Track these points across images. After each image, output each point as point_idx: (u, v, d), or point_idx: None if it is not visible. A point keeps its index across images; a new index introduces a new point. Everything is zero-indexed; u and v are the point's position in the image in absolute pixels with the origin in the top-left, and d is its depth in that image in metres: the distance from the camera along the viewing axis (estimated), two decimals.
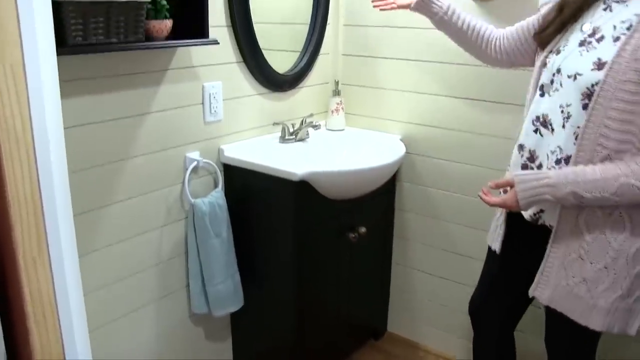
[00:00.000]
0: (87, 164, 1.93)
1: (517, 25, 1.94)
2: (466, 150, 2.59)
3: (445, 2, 2.05)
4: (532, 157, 1.67)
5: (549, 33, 1.71)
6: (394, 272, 2.98)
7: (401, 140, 2.71)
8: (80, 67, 1.84)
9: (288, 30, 2.74)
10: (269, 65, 2.50)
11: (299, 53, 2.72)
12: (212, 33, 2.08)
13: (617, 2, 1.58)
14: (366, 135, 2.80)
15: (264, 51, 2.46)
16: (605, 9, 1.60)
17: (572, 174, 1.51)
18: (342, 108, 2.82)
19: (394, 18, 2.61)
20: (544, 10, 1.83)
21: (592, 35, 1.58)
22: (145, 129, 2.09)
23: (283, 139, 2.57)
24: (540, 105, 1.66)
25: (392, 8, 2.17)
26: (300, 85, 2.72)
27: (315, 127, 2.57)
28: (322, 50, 2.80)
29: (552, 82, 1.63)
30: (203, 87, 2.26)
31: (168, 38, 1.96)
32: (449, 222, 2.71)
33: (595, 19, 1.60)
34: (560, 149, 1.59)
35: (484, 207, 2.52)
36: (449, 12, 2.03)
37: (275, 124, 2.57)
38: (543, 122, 1.64)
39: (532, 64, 1.85)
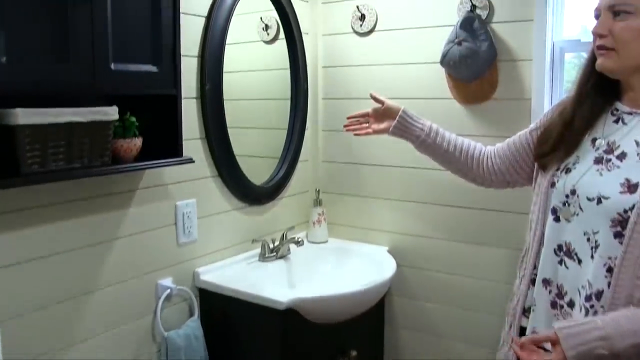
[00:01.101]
0: (44, 302, 1.69)
1: (509, 141, 1.74)
2: (460, 261, 2.40)
3: (427, 123, 1.85)
4: (560, 293, 1.44)
5: (553, 151, 1.50)
6: None
7: (389, 251, 2.52)
8: (36, 194, 1.63)
9: (265, 135, 2.58)
10: (246, 178, 2.32)
11: (276, 160, 2.55)
12: (185, 147, 1.90)
13: (630, 113, 1.41)
14: (351, 248, 2.60)
15: (238, 157, 2.29)
16: (616, 121, 1.43)
17: (626, 321, 1.26)
18: (325, 219, 2.64)
19: None
20: (536, 125, 1.66)
21: (608, 151, 1.40)
22: (111, 256, 1.87)
23: (263, 257, 2.36)
24: (560, 233, 1.44)
25: (367, 133, 1.96)
26: (280, 196, 2.54)
27: (298, 243, 2.36)
28: (301, 157, 2.64)
29: (565, 204, 1.43)
30: (176, 206, 2.06)
31: (138, 157, 1.78)
32: (447, 338, 2.48)
33: (608, 132, 1.43)
34: (590, 283, 1.36)
35: (485, 322, 2.35)
36: (432, 134, 1.82)
37: (254, 241, 2.36)
38: (567, 252, 1.42)
39: (530, 182, 1.66)
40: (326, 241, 2.65)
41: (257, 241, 2.36)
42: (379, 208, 2.59)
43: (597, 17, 1.41)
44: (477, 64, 2.18)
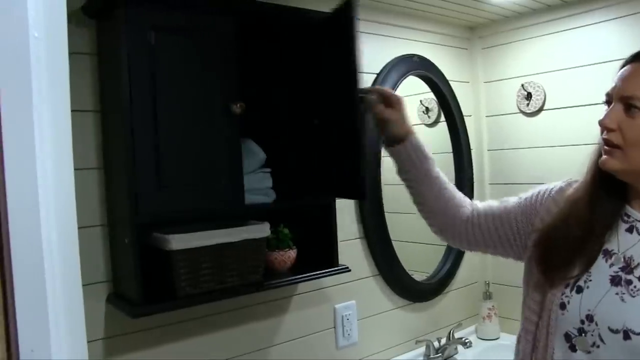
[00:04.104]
0: None
1: (501, 206, 1.39)
2: None
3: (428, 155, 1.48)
4: None
5: (567, 265, 1.18)
6: None
7: None
8: (192, 307, 1.63)
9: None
10: (409, 275, 2.22)
11: (439, 247, 2.40)
12: (343, 248, 1.84)
13: None
14: None
15: (397, 243, 2.18)
16: (629, 230, 1.15)
17: None
18: (495, 313, 2.44)
19: None
20: (526, 215, 1.32)
21: (627, 269, 1.12)
22: None
23: (428, 358, 2.21)
24: None
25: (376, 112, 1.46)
26: (445, 290, 2.40)
27: (465, 344, 2.19)
28: None
29: (582, 332, 1.14)
30: (335, 309, 2.00)
31: (292, 268, 1.73)
32: None
33: (623, 245, 1.15)
34: None
35: None
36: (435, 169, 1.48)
37: (418, 342, 2.22)
38: None
39: (515, 257, 1.36)
40: (497, 338, 2.45)
41: (420, 341, 2.23)
42: None
43: (607, 102, 1.16)
44: None
